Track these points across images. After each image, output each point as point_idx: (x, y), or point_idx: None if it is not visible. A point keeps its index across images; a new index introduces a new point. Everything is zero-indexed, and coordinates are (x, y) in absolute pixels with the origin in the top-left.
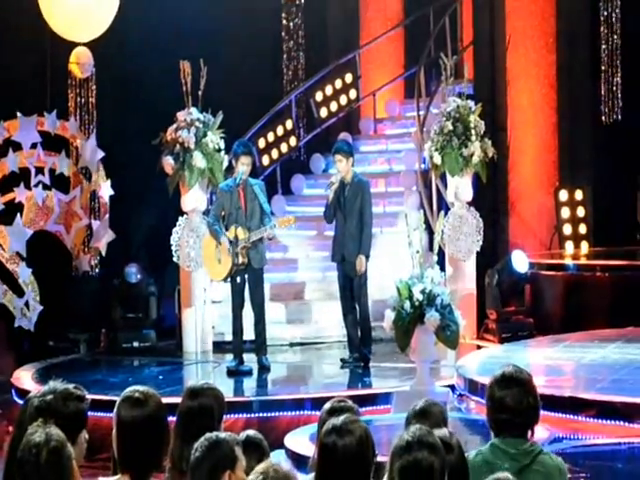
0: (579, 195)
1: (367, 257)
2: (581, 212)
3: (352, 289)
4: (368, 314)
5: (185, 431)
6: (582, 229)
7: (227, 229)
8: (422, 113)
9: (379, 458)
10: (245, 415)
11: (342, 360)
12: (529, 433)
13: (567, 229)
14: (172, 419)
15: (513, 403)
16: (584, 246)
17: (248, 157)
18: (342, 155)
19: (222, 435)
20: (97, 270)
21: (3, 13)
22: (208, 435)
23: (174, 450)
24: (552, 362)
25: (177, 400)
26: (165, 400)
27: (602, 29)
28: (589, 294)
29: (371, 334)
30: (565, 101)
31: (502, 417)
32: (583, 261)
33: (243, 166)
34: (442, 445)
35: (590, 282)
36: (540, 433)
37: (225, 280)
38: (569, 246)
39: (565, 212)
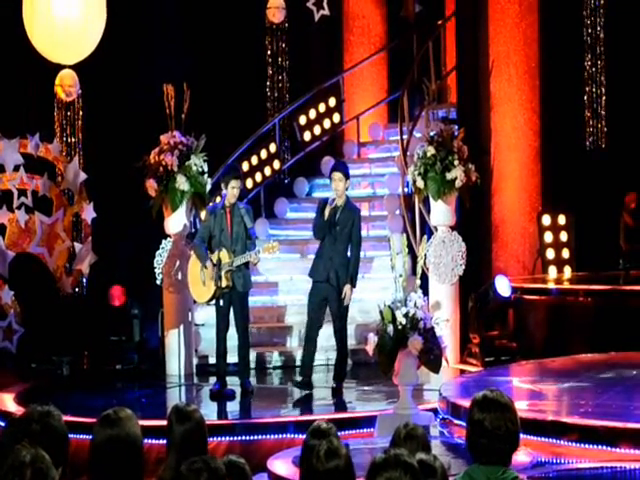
0: (562, 220)
1: (353, 286)
2: (564, 237)
3: (333, 313)
4: (346, 344)
5: (178, 454)
6: (565, 254)
7: (212, 251)
8: (405, 137)
9: None
10: (228, 438)
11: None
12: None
13: (550, 254)
14: (159, 442)
15: (491, 427)
16: (567, 271)
17: (238, 181)
18: (343, 175)
19: (205, 458)
20: (80, 292)
21: None
22: (192, 459)
23: (166, 472)
24: (535, 386)
25: (160, 423)
26: (148, 423)
27: (586, 53)
28: (572, 319)
29: (346, 365)
30: (548, 126)
31: (481, 442)
32: (566, 286)
33: (233, 189)
34: (423, 467)
35: (573, 307)
36: (523, 457)
37: (209, 302)
38: (552, 271)
39: (548, 237)
